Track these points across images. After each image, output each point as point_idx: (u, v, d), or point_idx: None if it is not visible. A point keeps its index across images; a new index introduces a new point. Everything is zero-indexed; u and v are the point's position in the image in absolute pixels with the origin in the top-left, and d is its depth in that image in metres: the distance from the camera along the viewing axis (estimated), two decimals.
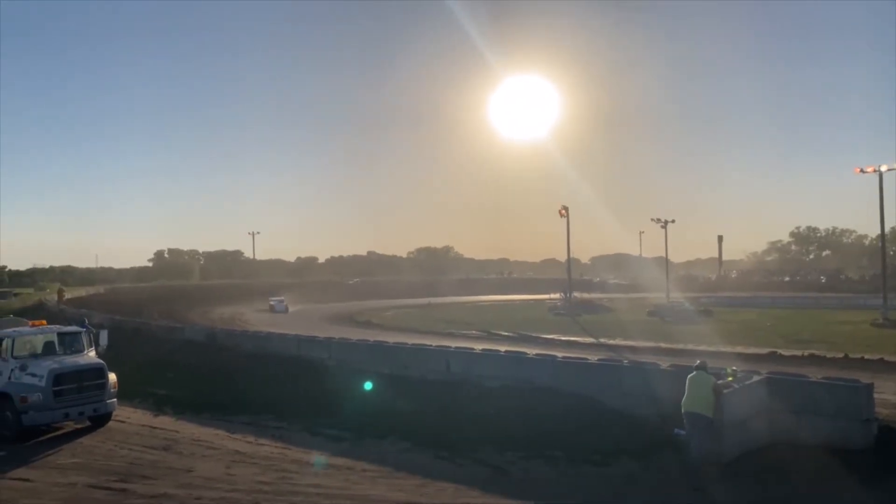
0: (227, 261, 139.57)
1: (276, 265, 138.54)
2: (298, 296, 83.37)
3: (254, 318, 58.45)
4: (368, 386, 18.85)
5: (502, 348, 23.10)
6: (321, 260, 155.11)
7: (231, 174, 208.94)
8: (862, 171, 50.04)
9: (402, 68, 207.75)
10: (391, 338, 30.40)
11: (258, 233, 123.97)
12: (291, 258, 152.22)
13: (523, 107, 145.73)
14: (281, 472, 12.30)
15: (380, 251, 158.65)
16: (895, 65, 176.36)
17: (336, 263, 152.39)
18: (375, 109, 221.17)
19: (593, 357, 19.26)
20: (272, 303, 72.20)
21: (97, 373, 15.68)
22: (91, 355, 16.46)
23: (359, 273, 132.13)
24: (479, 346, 23.30)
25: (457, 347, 22.16)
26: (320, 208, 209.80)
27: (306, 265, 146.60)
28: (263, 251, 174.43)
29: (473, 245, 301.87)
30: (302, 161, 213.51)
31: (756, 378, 13.53)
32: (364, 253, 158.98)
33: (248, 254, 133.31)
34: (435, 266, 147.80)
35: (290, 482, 11.68)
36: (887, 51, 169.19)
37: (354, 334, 33.59)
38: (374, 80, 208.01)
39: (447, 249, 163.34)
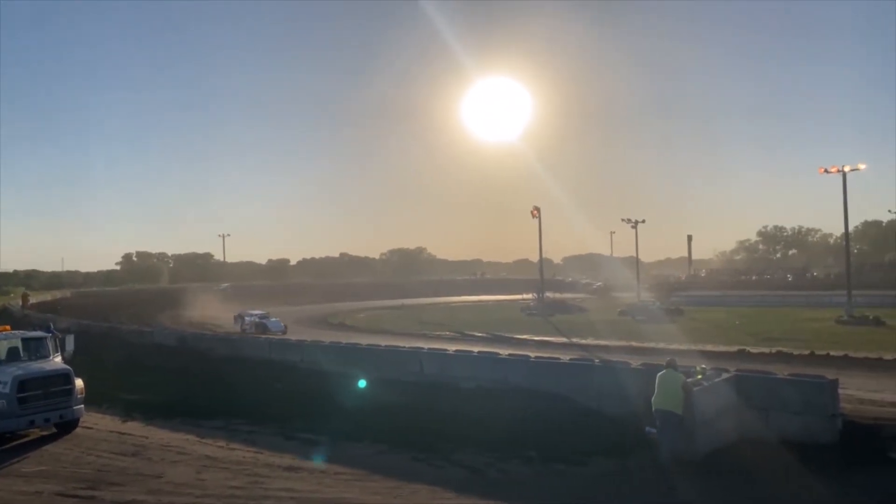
0: (198, 263, 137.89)
1: (247, 267, 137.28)
2: (270, 298, 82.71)
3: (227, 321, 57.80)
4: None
5: (476, 349, 23.17)
6: (293, 262, 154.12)
7: (201, 176, 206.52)
8: (826, 171, 51.02)
9: (376, 70, 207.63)
10: (364, 340, 30.29)
11: (229, 235, 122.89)
12: (263, 260, 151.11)
13: (497, 108, 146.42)
14: (253, 477, 12.17)
15: (352, 252, 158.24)
16: (860, 66, 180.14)
17: (308, 265, 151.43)
18: (348, 111, 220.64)
19: (566, 357, 19.40)
20: (256, 321, 46.64)
21: (63, 378, 15.38)
22: (57, 361, 16.15)
23: (331, 275, 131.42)
24: (452, 347, 23.33)
25: (430, 349, 22.17)
26: (292, 210, 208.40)
27: (278, 267, 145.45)
28: (234, 253, 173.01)
29: (447, 246, 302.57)
30: (273, 162, 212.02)
31: (725, 376, 13.74)
32: (336, 254, 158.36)
33: (218, 256, 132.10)
34: (408, 267, 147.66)
35: (261, 486, 11.57)
36: (853, 52, 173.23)
37: (327, 337, 33.42)
38: (348, 81, 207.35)
39: (420, 250, 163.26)
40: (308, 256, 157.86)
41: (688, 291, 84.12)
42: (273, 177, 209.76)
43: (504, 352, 21.45)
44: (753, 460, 12.08)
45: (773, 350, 28.63)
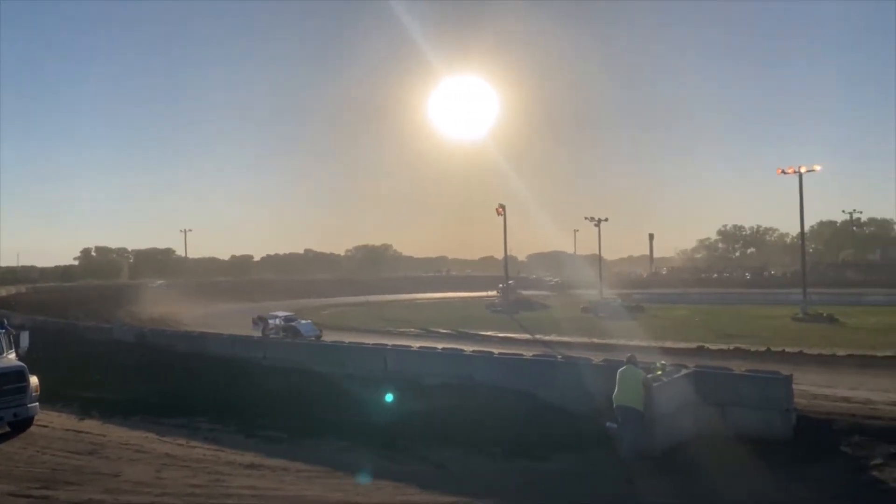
0: (158, 259, 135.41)
1: (209, 264, 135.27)
2: (232, 295, 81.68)
3: (189, 317, 56.96)
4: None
5: (440, 346, 23.20)
6: (256, 258, 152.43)
7: (163, 170, 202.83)
8: (783, 172, 52.12)
9: (344, 67, 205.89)
10: (328, 336, 30.13)
11: (191, 230, 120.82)
12: (226, 256, 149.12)
13: (464, 107, 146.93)
14: (214, 475, 12.03)
15: (317, 249, 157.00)
16: (818, 69, 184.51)
17: (272, 261, 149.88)
18: (315, 107, 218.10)
19: (529, 353, 19.55)
20: (283, 324, 38.60)
21: (17, 376, 14.99)
22: (11, 358, 15.73)
23: (295, 271, 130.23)
24: (416, 344, 23.34)
25: (394, 345, 22.15)
26: (256, 206, 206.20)
27: (241, 263, 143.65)
28: (197, 249, 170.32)
29: (413, 243, 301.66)
30: (238, 158, 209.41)
31: (684, 372, 14.00)
32: (301, 251, 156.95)
33: (180, 252, 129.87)
34: (373, 264, 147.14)
35: (222, 485, 11.44)
36: (812, 55, 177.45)
37: None
38: (315, 78, 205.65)
39: (386, 247, 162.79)
40: (272, 253, 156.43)
41: (649, 289, 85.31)
42: (237, 172, 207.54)
43: (468, 348, 21.50)
44: (711, 454, 12.30)
45: (731, 347, 29.18)
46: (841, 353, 27.11)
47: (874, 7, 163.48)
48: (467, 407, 15.78)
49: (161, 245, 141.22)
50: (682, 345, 30.52)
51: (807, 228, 68.46)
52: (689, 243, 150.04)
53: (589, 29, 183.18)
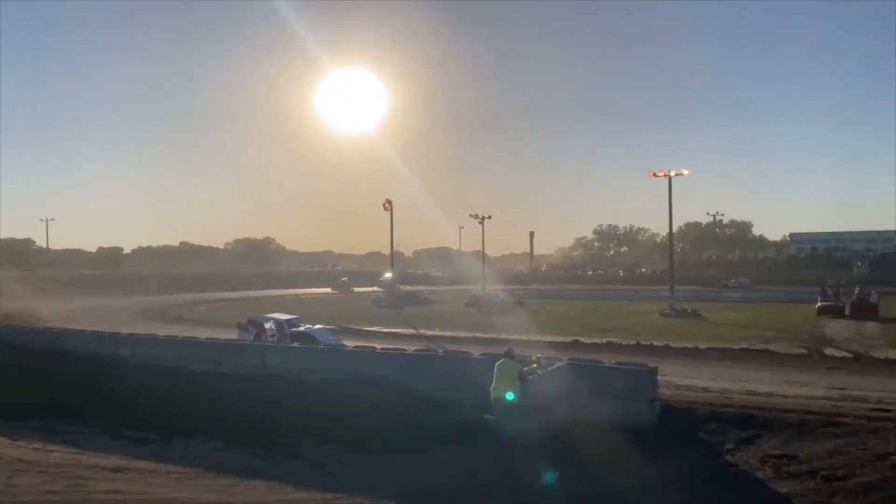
0: (16, 250, 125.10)
1: (73, 255, 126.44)
2: (100, 289, 76.84)
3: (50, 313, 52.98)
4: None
5: (322, 342, 22.86)
6: (127, 250, 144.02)
7: (23, 155, 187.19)
8: (654, 175, 55.07)
9: (226, 61, 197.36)
10: (204, 333, 28.88)
11: (53, 219, 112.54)
12: (93, 248, 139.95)
13: (350, 102, 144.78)
14: (73, 480, 11.27)
15: (193, 241, 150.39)
16: (686, 77, 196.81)
17: (145, 254, 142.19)
18: (196, 102, 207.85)
19: (411, 348, 19.61)
20: (286, 330, 28.82)
21: None
22: None
23: (170, 264, 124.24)
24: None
25: (274, 342, 21.60)
26: (127, 196, 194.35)
27: (110, 255, 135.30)
28: (59, 240, 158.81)
29: (297, 237, 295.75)
30: (106, 145, 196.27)
31: (558, 364, 14.50)
32: (176, 243, 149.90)
33: (40, 243, 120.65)
34: (255, 258, 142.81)
35: (83, 490, 10.74)
36: (682, 61, 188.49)
37: (163, 330, 31.53)
38: (196, 71, 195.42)
39: (269, 241, 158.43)
40: (144, 245, 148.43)
41: (529, 285, 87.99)
42: (106, 160, 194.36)
43: (351, 344, 21.30)
44: (585, 442, 12.82)
45: (605, 340, 30.53)
46: (703, 346, 28.96)
47: (741, 11, 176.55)
48: (348, 403, 15.62)
49: (20, 235, 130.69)
50: (560, 338, 31.59)
51: (675, 229, 72.93)
52: (568, 241, 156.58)
53: (475, 27, 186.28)
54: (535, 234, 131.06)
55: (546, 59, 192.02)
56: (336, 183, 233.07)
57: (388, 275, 69.72)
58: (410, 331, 38.19)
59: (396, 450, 12.91)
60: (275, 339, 27.77)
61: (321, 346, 20.27)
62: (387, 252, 71.15)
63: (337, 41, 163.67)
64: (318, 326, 30.11)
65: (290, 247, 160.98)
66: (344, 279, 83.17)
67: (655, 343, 29.52)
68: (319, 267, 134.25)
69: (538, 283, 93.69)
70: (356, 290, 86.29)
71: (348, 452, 12.86)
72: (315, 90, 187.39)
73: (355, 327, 39.17)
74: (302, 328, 29.13)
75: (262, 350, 19.84)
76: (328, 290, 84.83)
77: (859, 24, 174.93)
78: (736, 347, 28.24)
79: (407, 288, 73.74)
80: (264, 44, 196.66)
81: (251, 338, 28.80)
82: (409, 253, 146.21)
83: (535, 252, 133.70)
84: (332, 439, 13.43)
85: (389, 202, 63.36)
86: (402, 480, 11.51)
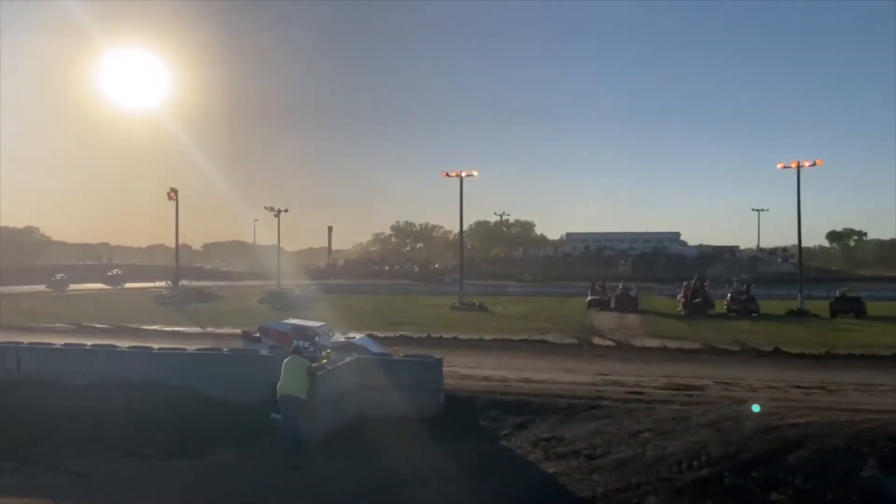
0: None
1: None
2: None
3: None
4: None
5: (90, 342, 20.83)
6: None
7: None
8: (448, 175, 57.24)
9: None
10: None
11: None
12: None
13: (133, 85, 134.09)
14: None
15: None
16: (478, 79, 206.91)
17: None
18: None
19: (192, 347, 18.57)
20: (319, 338, 20.41)
21: None
22: None
23: None
24: (61, 341, 20.63)
25: (31, 343, 19.25)
26: None
27: None
28: None
29: (68, 227, 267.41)
30: None
31: (347, 359, 14.51)
32: None
33: None
34: (13, 249, 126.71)
35: None
36: (473, 64, 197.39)
37: None
38: None
39: (31, 231, 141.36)
40: None
41: (327, 280, 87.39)
42: None
43: (125, 344, 19.60)
44: (374, 435, 13.06)
45: (398, 334, 31.11)
46: (488, 337, 30.65)
47: (529, 12, 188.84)
48: (120, 408, 14.38)
49: None
50: (354, 333, 31.64)
51: (466, 227, 76.37)
52: (366, 237, 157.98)
53: (271, 22, 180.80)
54: (334, 230, 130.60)
55: (347, 57, 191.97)
56: (117, 171, 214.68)
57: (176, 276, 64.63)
58: (197, 329, 36.12)
59: (175, 455, 12.14)
60: (309, 350, 19.11)
61: (87, 347, 18.41)
62: (172, 244, 66.81)
63: (117, 24, 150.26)
64: (360, 336, 24.14)
65: (56, 237, 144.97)
66: (60, 276, 73.40)
67: (445, 335, 30.69)
68: (93, 260, 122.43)
69: (336, 277, 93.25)
70: (128, 285, 79.55)
71: (119, 461, 11.87)
72: (95, 70, 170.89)
73: (133, 326, 36.28)
74: (343, 338, 23.00)
75: (15, 352, 17.55)
76: (101, 285, 77.45)
77: (625, 23, 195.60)
78: (517, 338, 30.22)
79: (193, 284, 69.68)
80: (36, 25, 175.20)
81: (266, 351, 20.24)
82: (197, 246, 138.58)
83: (334, 247, 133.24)
84: (102, 448, 12.32)
85: (175, 191, 59.56)
86: (176, 486, 10.83)
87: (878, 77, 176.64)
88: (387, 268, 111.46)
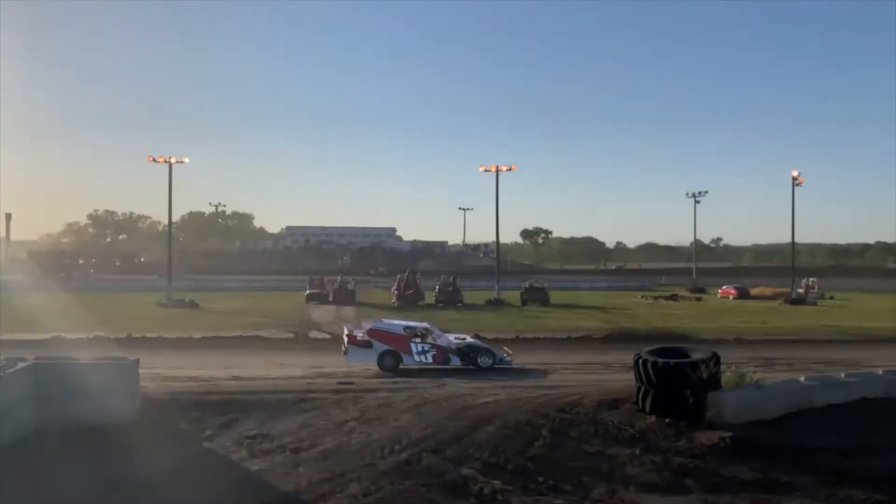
0: None
1: None
2: None
3: None
4: None
5: None
6: None
7: None
8: (154, 160, 53.09)
9: None
10: None
11: None
12: None
13: None
14: None
15: None
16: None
17: None
18: None
19: None
20: (453, 346, 22.05)
21: None
22: None
23: None
24: None
25: None
26: None
27: None
28: None
29: None
30: None
31: (21, 365, 12.67)
32: None
33: None
34: None
35: None
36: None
37: None
38: None
39: None
40: None
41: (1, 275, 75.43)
42: None
43: None
44: (53, 449, 11.56)
45: (92, 335, 27.89)
46: (197, 335, 29.06)
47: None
48: None
49: None
50: (37, 335, 27.78)
51: (178, 218, 71.46)
52: (56, 227, 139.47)
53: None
54: (14, 218, 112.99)
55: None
56: None
57: None
58: None
59: None
60: (427, 356, 21.12)
61: None
62: None
63: None
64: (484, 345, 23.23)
65: None
66: None
67: (148, 335, 28.46)
68: None
69: (15, 272, 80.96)
70: None
71: None
72: None
73: None
74: (466, 340, 22.98)
75: None
76: None
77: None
78: (229, 335, 29.18)
79: None
80: None
81: (376, 357, 20.81)
82: None
83: (14, 238, 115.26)
84: None
85: None
86: None
87: (563, 93, 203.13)
88: (81, 261, 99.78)
